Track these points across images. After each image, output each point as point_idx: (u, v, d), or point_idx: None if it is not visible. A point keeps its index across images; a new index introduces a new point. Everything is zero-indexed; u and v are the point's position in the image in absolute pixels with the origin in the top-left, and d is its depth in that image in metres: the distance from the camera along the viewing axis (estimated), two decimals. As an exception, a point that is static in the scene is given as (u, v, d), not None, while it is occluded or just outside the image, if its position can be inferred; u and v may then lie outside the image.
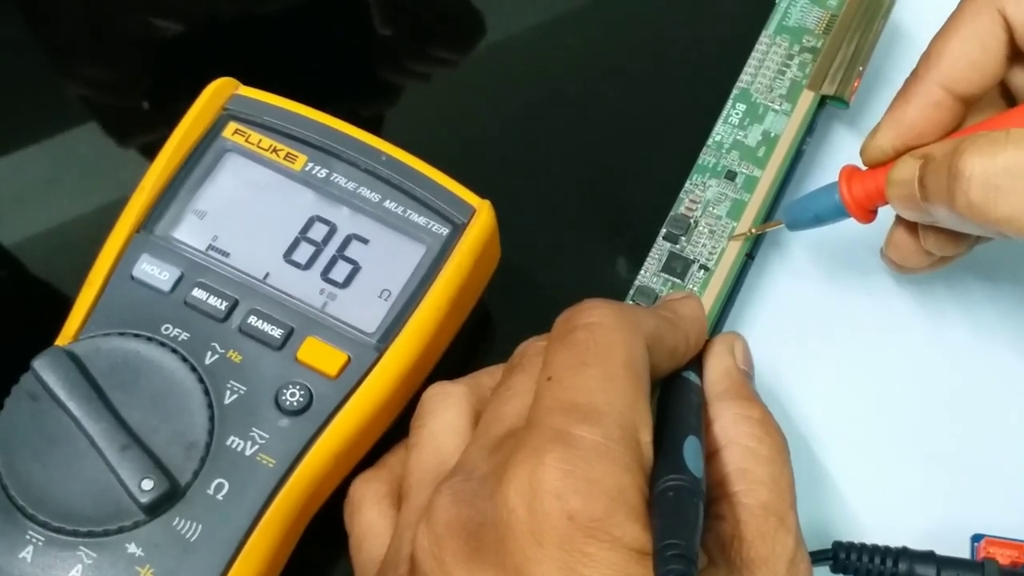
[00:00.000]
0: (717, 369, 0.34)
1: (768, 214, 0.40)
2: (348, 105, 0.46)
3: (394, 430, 0.36)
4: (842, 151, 0.43)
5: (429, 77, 0.47)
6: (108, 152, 0.46)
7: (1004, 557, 0.36)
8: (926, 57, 0.35)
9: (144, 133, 0.46)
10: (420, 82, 0.47)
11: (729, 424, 0.32)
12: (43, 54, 0.48)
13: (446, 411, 0.33)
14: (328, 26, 0.48)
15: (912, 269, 0.38)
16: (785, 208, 0.39)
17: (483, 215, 0.36)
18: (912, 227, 0.37)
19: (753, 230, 0.39)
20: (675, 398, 0.33)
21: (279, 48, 0.47)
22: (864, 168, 0.37)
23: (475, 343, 0.40)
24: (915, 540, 0.36)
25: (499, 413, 0.30)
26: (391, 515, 0.32)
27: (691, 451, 0.30)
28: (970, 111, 0.35)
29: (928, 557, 0.36)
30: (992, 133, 0.31)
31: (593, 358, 0.29)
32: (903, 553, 0.36)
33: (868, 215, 0.37)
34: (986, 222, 0.31)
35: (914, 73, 0.35)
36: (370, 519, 0.33)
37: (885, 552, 0.36)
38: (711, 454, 0.32)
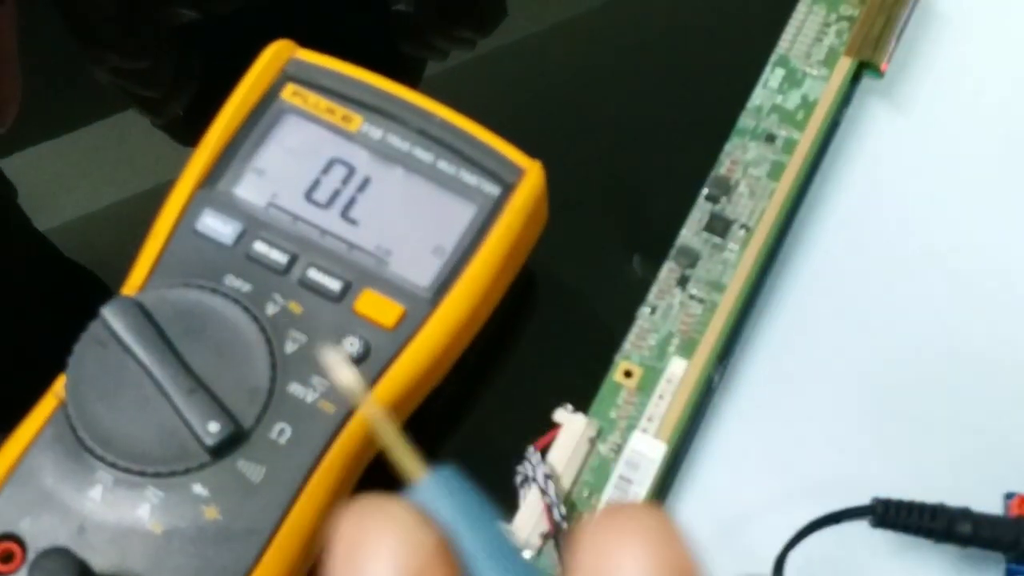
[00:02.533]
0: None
1: (807, 177, 0.41)
2: (399, 69, 0.47)
3: (440, 388, 0.38)
4: (876, 123, 0.44)
5: (474, 43, 0.49)
6: (137, 136, 0.47)
7: (1035, 512, 0.37)
8: None
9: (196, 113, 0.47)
10: (467, 48, 0.48)
11: None
12: (82, 39, 0.50)
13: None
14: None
15: None
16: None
17: (532, 175, 0.37)
18: None
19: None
20: None
21: (324, 16, 0.48)
22: None
23: (522, 301, 0.41)
24: (950, 498, 0.38)
25: None
26: None
27: None
28: None
29: (964, 514, 0.37)
30: None
31: None
32: (940, 509, 0.37)
33: None
34: None
35: None
36: None
37: (922, 508, 0.37)
38: None
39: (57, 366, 0.34)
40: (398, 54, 0.49)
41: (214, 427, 0.33)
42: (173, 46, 0.49)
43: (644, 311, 0.40)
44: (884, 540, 0.37)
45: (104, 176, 0.46)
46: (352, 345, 0.35)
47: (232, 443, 0.33)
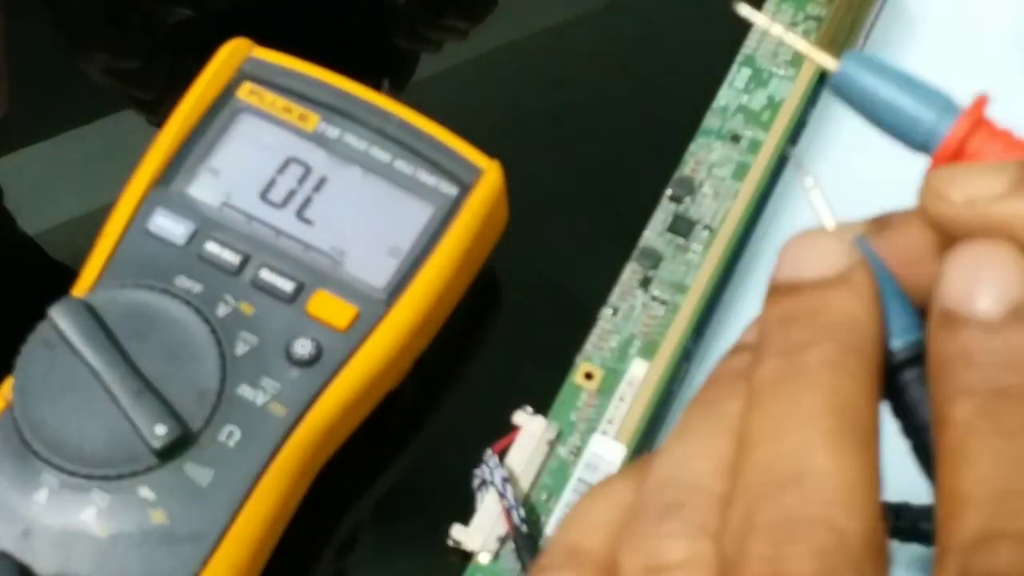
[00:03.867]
0: None
1: (773, 177, 0.41)
2: (360, 67, 0.47)
3: (397, 392, 0.37)
4: (843, 124, 0.44)
5: (441, 44, 0.48)
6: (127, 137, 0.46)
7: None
8: None
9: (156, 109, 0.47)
10: (432, 47, 0.48)
11: None
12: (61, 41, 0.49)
13: None
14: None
15: None
16: (853, 56, 0.24)
17: (491, 175, 0.37)
18: None
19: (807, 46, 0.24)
20: None
21: (289, 12, 0.48)
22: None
23: (483, 303, 0.41)
24: (915, 496, 0.37)
25: None
26: None
27: None
28: None
29: (928, 512, 0.36)
30: None
31: None
32: (904, 508, 0.36)
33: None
34: None
35: None
36: None
37: (886, 507, 0.36)
38: None
39: (5, 367, 0.34)
40: (391, 48, 0.49)
41: (161, 430, 0.33)
42: (166, 45, 0.48)
43: (606, 312, 0.39)
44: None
45: (94, 178, 0.46)
46: (304, 347, 0.34)
47: (179, 446, 0.33)
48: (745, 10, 0.24)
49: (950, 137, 0.23)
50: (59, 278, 0.40)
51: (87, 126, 0.47)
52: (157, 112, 0.46)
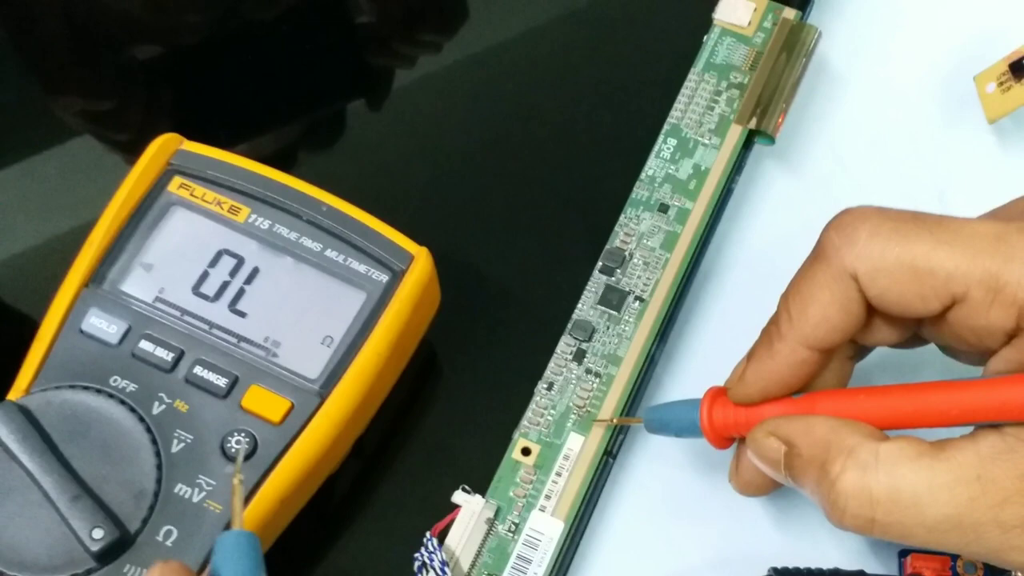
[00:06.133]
0: None
1: (699, 246, 0.41)
2: (290, 153, 0.47)
3: (337, 475, 0.38)
4: (770, 187, 0.45)
5: (439, 47, 0.49)
6: (65, 184, 0.46)
7: (930, 571, 0.37)
8: (787, 317, 0.34)
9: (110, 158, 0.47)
10: (405, 63, 0.49)
11: None
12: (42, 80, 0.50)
13: None
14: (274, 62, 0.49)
15: (762, 494, 0.38)
16: (647, 410, 0.38)
17: (421, 261, 0.38)
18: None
19: (615, 420, 0.39)
20: None
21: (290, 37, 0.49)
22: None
23: (421, 382, 0.41)
24: (846, 561, 0.38)
25: None
26: None
27: None
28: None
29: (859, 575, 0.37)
30: (861, 454, 0.32)
31: None
32: (835, 574, 0.37)
33: (725, 443, 0.36)
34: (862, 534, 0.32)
35: (776, 330, 0.34)
36: None
37: (819, 574, 0.37)
38: None
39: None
40: (365, 66, 0.49)
41: (99, 533, 0.33)
42: (132, 84, 0.49)
43: (541, 387, 0.40)
44: (782, 610, 0.37)
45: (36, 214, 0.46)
46: (239, 443, 0.35)
47: (118, 548, 0.33)
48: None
49: (703, 418, 0.36)
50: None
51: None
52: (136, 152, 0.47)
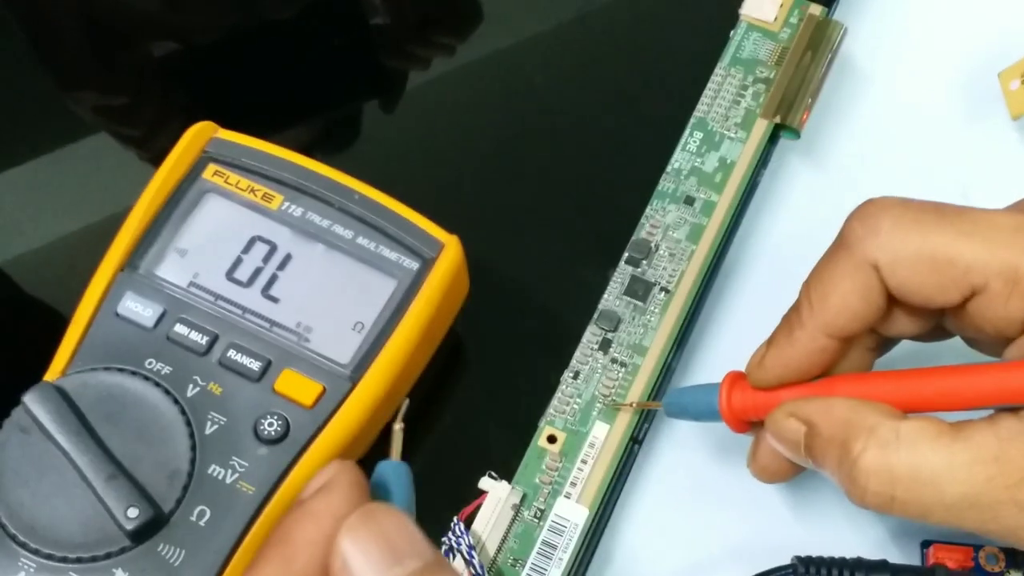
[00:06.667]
0: None
1: (727, 237, 0.42)
2: (324, 142, 0.48)
3: (366, 459, 0.38)
4: (795, 181, 0.45)
5: (453, 49, 0.49)
6: (99, 173, 0.47)
7: (952, 561, 0.38)
8: (808, 304, 0.35)
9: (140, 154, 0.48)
10: (447, 53, 0.49)
11: None
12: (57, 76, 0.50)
13: None
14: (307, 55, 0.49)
15: (780, 480, 0.38)
16: (667, 394, 0.39)
17: (451, 250, 0.38)
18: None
19: (634, 404, 0.39)
20: None
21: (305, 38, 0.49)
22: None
23: (449, 370, 0.42)
24: (868, 550, 0.38)
25: None
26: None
27: None
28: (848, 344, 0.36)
29: (882, 566, 0.38)
30: (882, 433, 0.32)
31: None
32: (859, 564, 0.38)
33: (744, 427, 0.37)
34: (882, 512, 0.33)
35: (797, 317, 0.35)
36: None
37: (842, 564, 0.38)
38: None
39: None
40: (381, 68, 0.50)
41: (133, 512, 0.33)
42: (154, 79, 0.49)
43: (567, 376, 0.40)
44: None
45: (71, 202, 0.46)
46: (271, 425, 0.35)
47: (152, 527, 0.34)
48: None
49: (721, 402, 0.36)
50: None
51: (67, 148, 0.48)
52: (150, 148, 0.47)
